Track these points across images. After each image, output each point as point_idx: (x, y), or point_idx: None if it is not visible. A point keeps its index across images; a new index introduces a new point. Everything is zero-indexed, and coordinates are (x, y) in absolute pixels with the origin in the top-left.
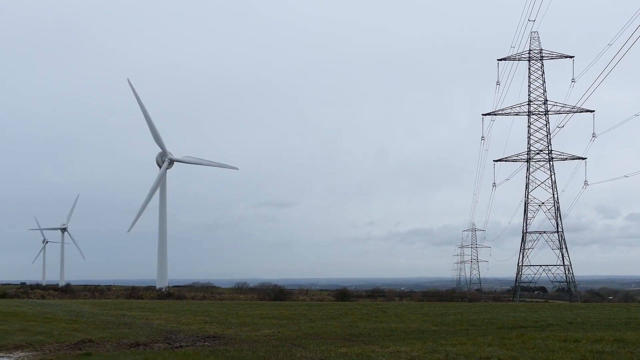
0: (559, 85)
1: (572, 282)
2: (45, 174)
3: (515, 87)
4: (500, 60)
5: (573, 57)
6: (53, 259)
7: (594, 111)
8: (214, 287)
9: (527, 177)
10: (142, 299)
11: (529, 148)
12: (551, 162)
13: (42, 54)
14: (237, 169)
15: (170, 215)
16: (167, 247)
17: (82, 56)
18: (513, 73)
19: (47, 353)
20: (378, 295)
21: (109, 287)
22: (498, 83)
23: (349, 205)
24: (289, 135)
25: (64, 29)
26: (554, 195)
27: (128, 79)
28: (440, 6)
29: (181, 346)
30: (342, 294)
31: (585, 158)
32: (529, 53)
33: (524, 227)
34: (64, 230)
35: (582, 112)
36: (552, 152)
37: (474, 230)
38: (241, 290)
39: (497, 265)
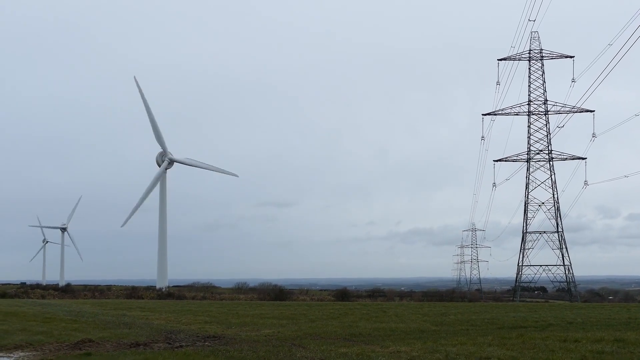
0: (559, 85)
1: (572, 282)
2: (45, 174)
3: (515, 87)
4: (501, 60)
5: (573, 57)
6: (53, 258)
7: (594, 111)
8: (214, 287)
9: (527, 177)
10: (142, 298)
11: (529, 148)
12: (551, 162)
13: (42, 54)
14: (237, 176)
15: (171, 215)
16: (167, 247)
17: (82, 56)
18: (513, 73)
19: (47, 353)
20: (378, 295)
21: (109, 287)
22: (498, 83)
23: (349, 205)
24: (289, 135)
25: (64, 29)
26: (554, 195)
27: (135, 77)
28: (440, 6)
29: (181, 346)
30: (342, 294)
31: (585, 158)
32: (529, 53)
33: (524, 227)
34: (64, 230)
35: (582, 112)
36: (552, 152)
37: (474, 230)
38: (241, 290)
39: (497, 265)
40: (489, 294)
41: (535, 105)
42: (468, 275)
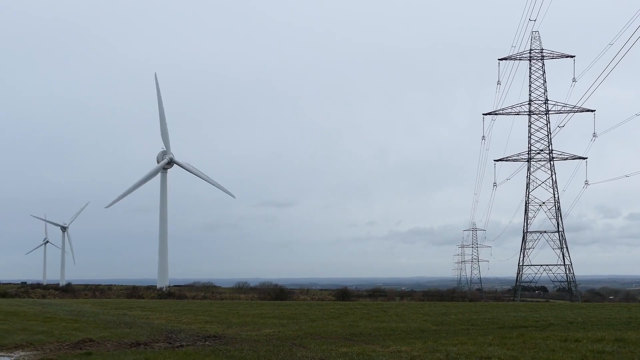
0: (560, 84)
1: (573, 281)
2: (45, 174)
3: (516, 87)
4: (501, 59)
5: (574, 56)
6: (54, 258)
7: (594, 111)
8: (214, 286)
9: (528, 177)
10: (143, 298)
11: (529, 148)
12: (552, 162)
13: (42, 54)
14: (234, 197)
15: (171, 215)
16: (168, 247)
17: (82, 56)
18: (514, 73)
19: (47, 352)
20: (379, 294)
21: (109, 287)
22: (499, 83)
23: (349, 205)
24: (289, 135)
25: (64, 29)
26: (554, 194)
27: (155, 74)
28: (440, 6)
29: (182, 346)
30: (343, 294)
31: (586, 158)
32: (530, 53)
33: (525, 227)
34: (64, 229)
35: (583, 111)
36: (553, 151)
37: (474, 229)
38: (242, 290)
39: (498, 264)
40: (490, 294)
41: (536, 105)
42: (469, 275)
